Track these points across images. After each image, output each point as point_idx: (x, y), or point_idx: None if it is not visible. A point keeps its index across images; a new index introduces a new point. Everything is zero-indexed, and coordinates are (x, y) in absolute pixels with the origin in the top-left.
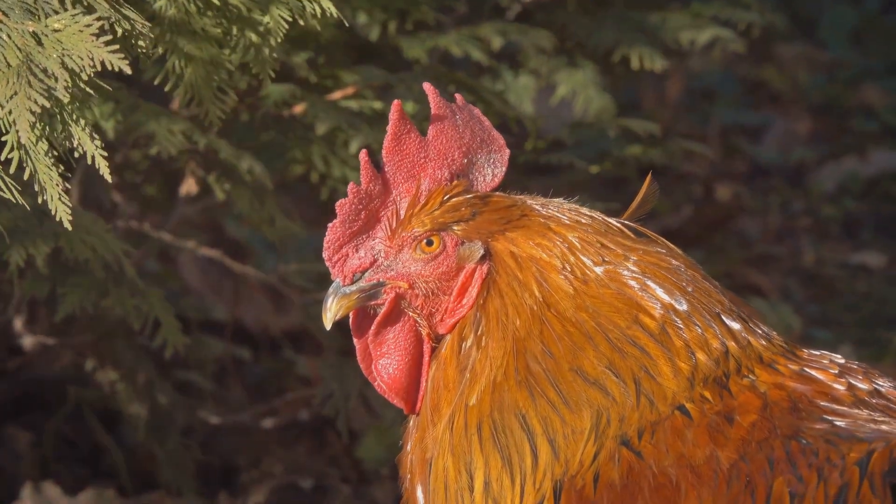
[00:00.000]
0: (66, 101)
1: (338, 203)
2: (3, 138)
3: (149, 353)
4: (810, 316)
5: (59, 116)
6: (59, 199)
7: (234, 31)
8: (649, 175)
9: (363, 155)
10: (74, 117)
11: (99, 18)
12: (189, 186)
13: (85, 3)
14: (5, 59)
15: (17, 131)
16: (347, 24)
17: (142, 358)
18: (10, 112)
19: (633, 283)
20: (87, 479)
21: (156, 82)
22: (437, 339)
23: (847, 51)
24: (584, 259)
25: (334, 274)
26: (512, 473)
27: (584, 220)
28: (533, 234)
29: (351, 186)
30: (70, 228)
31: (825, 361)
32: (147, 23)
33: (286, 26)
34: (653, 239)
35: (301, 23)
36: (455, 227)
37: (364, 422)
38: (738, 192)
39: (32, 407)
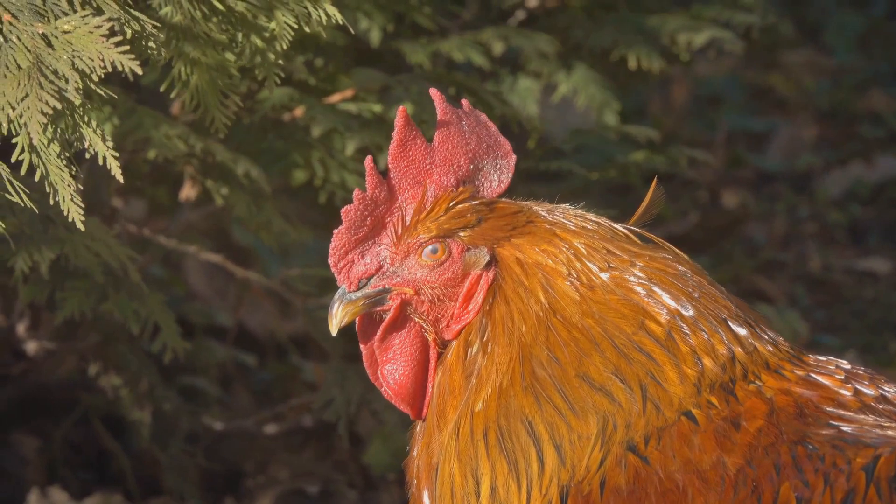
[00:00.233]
0: (77, 102)
1: (343, 209)
2: (13, 140)
3: (153, 359)
4: (816, 322)
5: (70, 118)
6: (72, 199)
7: (240, 37)
8: (654, 180)
9: (369, 161)
10: (86, 119)
11: (108, 20)
12: (189, 191)
13: (94, 5)
14: (16, 61)
15: (29, 133)
16: (353, 32)
17: (146, 363)
18: (21, 114)
19: (639, 288)
20: (93, 484)
21: (161, 89)
22: (443, 345)
23: (853, 57)
24: (590, 265)
25: (340, 280)
26: (518, 479)
27: (589, 226)
28: (539, 241)
29: (356, 193)
30: (83, 229)
31: (831, 367)
32: (157, 23)
33: (292, 32)
34: (659, 245)
35: (307, 30)
36: (461, 234)
37: (370, 427)
38: (744, 199)
39: (38, 412)
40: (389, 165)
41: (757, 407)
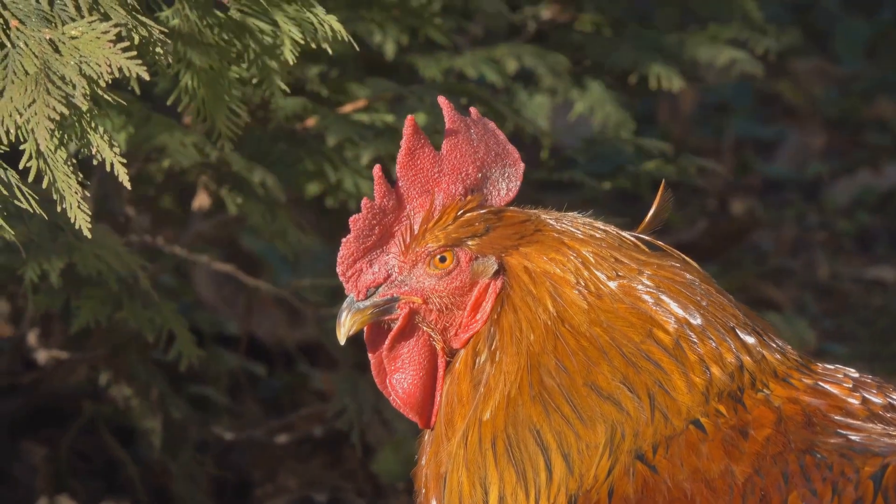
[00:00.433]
0: (84, 108)
1: (351, 218)
2: (21, 147)
3: (162, 368)
4: (825, 330)
5: (77, 124)
6: (79, 206)
7: (250, 52)
8: (662, 185)
9: (377, 170)
10: (93, 125)
11: (116, 25)
12: (202, 200)
13: (101, 11)
14: (23, 66)
15: (36, 139)
16: (357, 48)
17: (155, 372)
18: (28, 120)
19: (647, 297)
20: (102, 493)
21: (168, 102)
22: (451, 354)
23: (861, 64)
24: (598, 274)
25: (348, 289)
26: (526, 488)
27: (598, 235)
28: (547, 249)
29: (364, 202)
30: (90, 236)
31: (839, 375)
32: (164, 29)
33: (298, 47)
34: (667, 252)
35: (313, 45)
36: (469, 243)
37: (379, 436)
38: (752, 206)
39: (48, 421)
40: (398, 174)
41: (765, 415)
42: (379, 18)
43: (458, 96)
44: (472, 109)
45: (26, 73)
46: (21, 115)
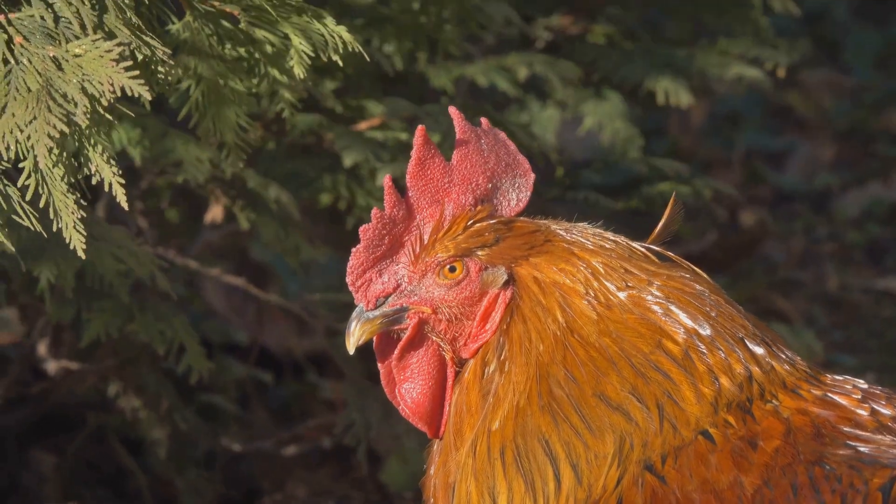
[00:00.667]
0: (84, 126)
1: (361, 228)
2: (20, 164)
3: (171, 378)
4: (834, 341)
5: (77, 142)
6: (74, 227)
7: (258, 64)
8: (672, 197)
9: (387, 180)
10: (92, 142)
11: (119, 44)
12: (214, 214)
13: (106, 29)
14: (25, 83)
15: (36, 156)
16: (369, 59)
17: (164, 383)
18: (28, 136)
19: (656, 308)
20: (110, 502)
21: (179, 117)
22: (461, 364)
23: (872, 76)
24: (608, 284)
25: (358, 299)
26: (535, 498)
27: (607, 245)
28: (556, 260)
29: (374, 212)
30: (84, 258)
31: (848, 387)
32: (167, 49)
33: (308, 56)
34: (677, 263)
35: (324, 58)
36: (479, 253)
37: (388, 445)
38: (762, 218)
39: (57, 430)
40: (408, 184)
41: (774, 427)
42: (389, 32)
43: (472, 115)
44: (483, 120)
45: (28, 89)
46: (22, 131)
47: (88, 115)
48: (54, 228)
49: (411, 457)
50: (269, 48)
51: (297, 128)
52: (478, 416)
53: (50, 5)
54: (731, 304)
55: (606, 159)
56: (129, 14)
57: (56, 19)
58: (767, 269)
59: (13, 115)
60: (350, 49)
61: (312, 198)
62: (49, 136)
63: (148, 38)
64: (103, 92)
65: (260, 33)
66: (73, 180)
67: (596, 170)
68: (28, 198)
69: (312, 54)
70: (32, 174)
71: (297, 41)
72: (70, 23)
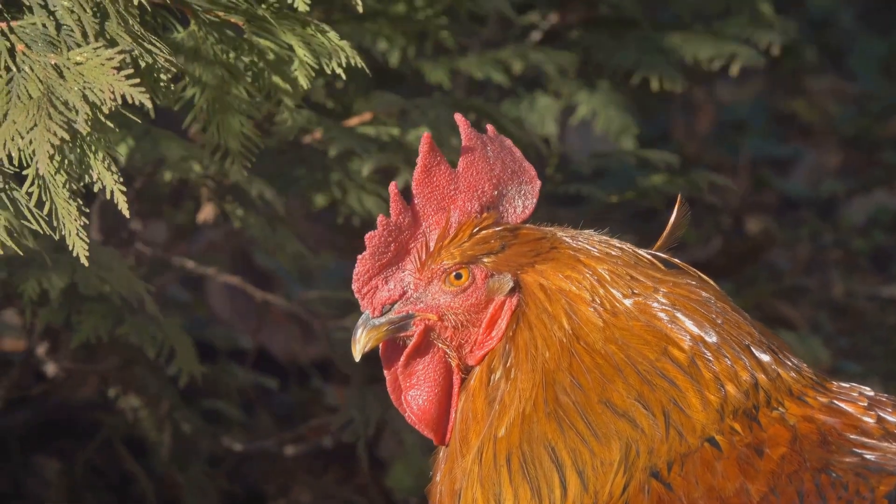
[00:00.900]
0: (85, 133)
1: (367, 235)
2: (24, 172)
3: (174, 382)
4: (839, 348)
5: (78, 149)
6: (77, 234)
7: (263, 74)
8: (678, 199)
9: (393, 187)
10: (93, 149)
11: (121, 52)
12: (207, 213)
13: (107, 37)
14: (27, 90)
15: (37, 163)
16: (363, 63)
17: (166, 386)
18: (30, 143)
19: (662, 315)
20: None
21: (184, 125)
22: (467, 371)
23: (877, 83)
24: (614, 291)
25: (363, 306)
26: None
27: (613, 252)
28: (562, 267)
29: (380, 219)
30: (87, 265)
31: (854, 394)
32: (170, 57)
33: (312, 72)
34: (684, 270)
35: (328, 71)
36: (485, 260)
37: (392, 451)
38: (767, 225)
39: (60, 434)
40: (414, 191)
41: (780, 434)
42: (385, 30)
43: (465, 110)
44: (489, 126)
45: (30, 96)
46: (23, 138)
47: (89, 123)
48: (57, 237)
49: (416, 463)
50: (272, 57)
51: (286, 124)
52: (484, 423)
53: (52, 13)
54: (738, 312)
55: (601, 161)
56: (131, 22)
57: (58, 27)
58: (773, 275)
59: (14, 122)
60: (352, 63)
61: (306, 195)
62: (50, 143)
63: (150, 46)
64: (104, 100)
65: (265, 43)
66: (74, 188)
67: (586, 165)
68: (32, 204)
69: (317, 66)
70: (35, 181)
71: (302, 53)
72: (72, 30)
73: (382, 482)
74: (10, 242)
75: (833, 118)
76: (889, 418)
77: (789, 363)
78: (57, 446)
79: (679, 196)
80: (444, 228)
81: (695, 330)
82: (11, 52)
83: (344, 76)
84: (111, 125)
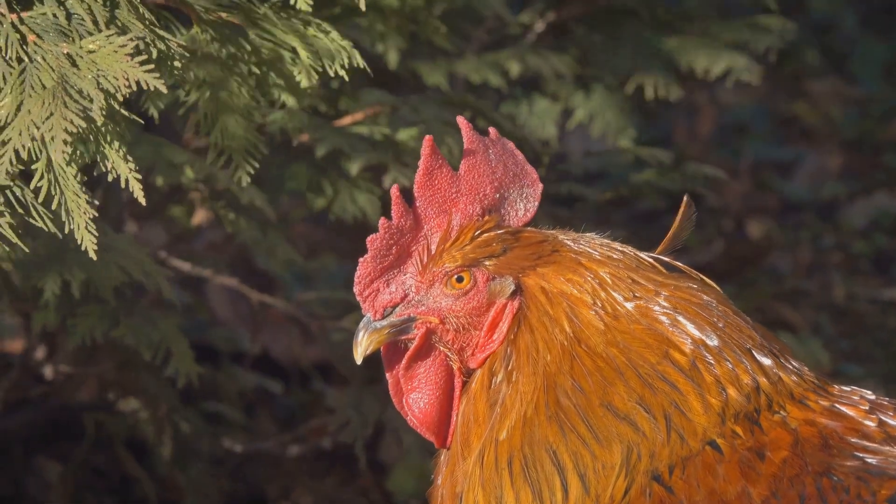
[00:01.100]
0: (100, 122)
1: (369, 238)
2: (33, 166)
3: (175, 385)
4: (841, 351)
5: (93, 138)
6: (87, 227)
7: (266, 77)
8: (685, 199)
9: (394, 190)
10: (108, 139)
11: (133, 39)
12: (200, 216)
13: (119, 25)
14: (40, 80)
15: (51, 153)
16: (365, 63)
17: (166, 388)
18: (45, 133)
19: (663, 318)
20: None
21: (187, 131)
22: (468, 374)
23: (879, 86)
24: (615, 295)
25: (365, 308)
26: None
27: (615, 256)
28: (564, 270)
29: (382, 221)
30: (95, 258)
31: (856, 398)
32: (182, 42)
33: (316, 75)
34: (685, 273)
35: (331, 73)
36: (486, 263)
37: (393, 454)
38: (769, 228)
39: (61, 436)
40: (415, 194)
41: (781, 437)
42: (381, 29)
43: (459, 109)
44: (492, 129)
45: (44, 86)
46: (38, 128)
47: (104, 111)
48: (66, 230)
49: (417, 465)
50: (273, 58)
51: (277, 124)
52: (485, 426)
53: (62, 3)
54: (739, 315)
55: (596, 161)
56: (141, 10)
57: (68, 16)
58: (774, 278)
59: (29, 111)
60: (355, 64)
61: (297, 196)
62: (66, 131)
63: (162, 33)
64: (119, 87)
65: (266, 44)
66: (86, 178)
67: (578, 165)
68: (41, 199)
69: (320, 69)
70: (45, 174)
71: (305, 55)
72: (82, 19)
73: (384, 485)
74: (16, 240)
75: (834, 121)
76: (890, 422)
77: (791, 366)
78: (58, 448)
79: (686, 197)
80: (446, 231)
81: (696, 333)
82: (23, 42)
83: (346, 77)
84: (125, 113)
